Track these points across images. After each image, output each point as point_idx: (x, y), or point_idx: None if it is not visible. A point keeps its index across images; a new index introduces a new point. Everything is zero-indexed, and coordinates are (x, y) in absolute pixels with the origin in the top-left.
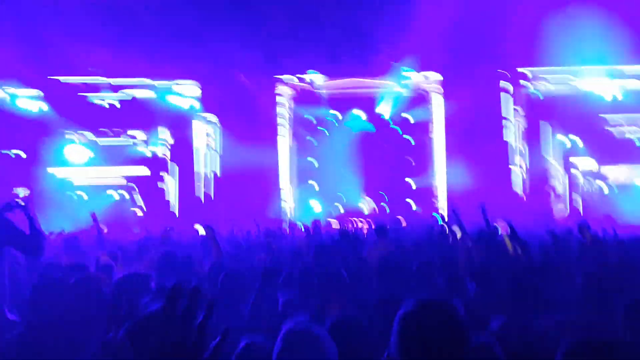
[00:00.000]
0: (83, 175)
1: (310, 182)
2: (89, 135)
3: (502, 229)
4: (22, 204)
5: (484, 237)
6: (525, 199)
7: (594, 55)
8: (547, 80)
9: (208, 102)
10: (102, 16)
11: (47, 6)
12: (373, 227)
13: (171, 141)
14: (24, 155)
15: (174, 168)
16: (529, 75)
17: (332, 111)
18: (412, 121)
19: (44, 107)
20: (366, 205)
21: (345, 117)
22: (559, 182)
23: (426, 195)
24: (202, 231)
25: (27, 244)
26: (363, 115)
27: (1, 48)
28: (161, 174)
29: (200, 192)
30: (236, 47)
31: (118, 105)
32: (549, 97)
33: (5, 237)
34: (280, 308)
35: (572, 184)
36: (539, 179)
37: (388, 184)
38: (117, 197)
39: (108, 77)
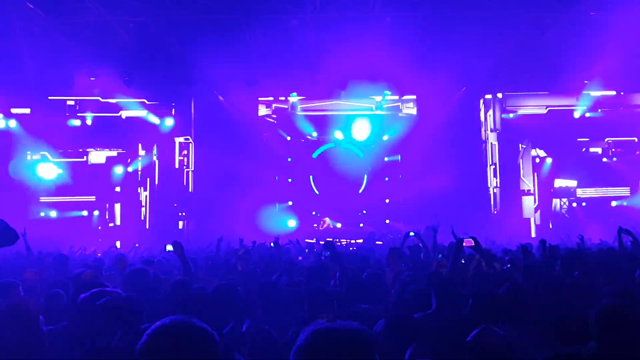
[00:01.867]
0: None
1: (290, 202)
2: (59, 153)
3: (468, 244)
4: None
5: (452, 252)
6: (499, 216)
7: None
8: (523, 103)
9: (186, 122)
10: (80, 37)
11: (21, 27)
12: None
13: (147, 159)
14: None
15: (147, 184)
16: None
17: (313, 133)
18: (389, 142)
19: (12, 124)
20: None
21: (323, 138)
22: (533, 200)
23: (404, 212)
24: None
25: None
26: (341, 136)
27: None
28: (138, 190)
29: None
30: (218, 69)
31: (89, 123)
32: (524, 119)
33: None
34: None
35: (545, 203)
36: (513, 198)
37: (367, 202)
38: (85, 214)
39: (86, 95)
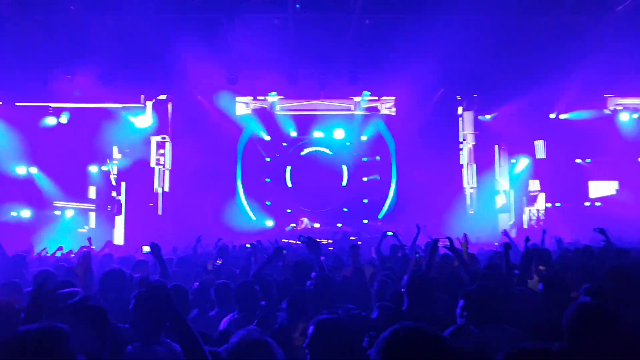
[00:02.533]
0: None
1: (267, 202)
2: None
3: (443, 243)
4: None
5: (427, 252)
6: (475, 216)
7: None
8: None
9: (163, 122)
10: (57, 39)
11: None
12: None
13: (124, 160)
14: None
15: (124, 186)
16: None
17: (292, 132)
18: (367, 142)
19: None
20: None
21: (303, 137)
22: (508, 201)
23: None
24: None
25: None
26: (321, 135)
27: None
28: (112, 194)
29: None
30: (197, 68)
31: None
32: (500, 121)
33: None
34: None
35: (520, 203)
36: (487, 198)
37: (345, 203)
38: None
39: (63, 101)
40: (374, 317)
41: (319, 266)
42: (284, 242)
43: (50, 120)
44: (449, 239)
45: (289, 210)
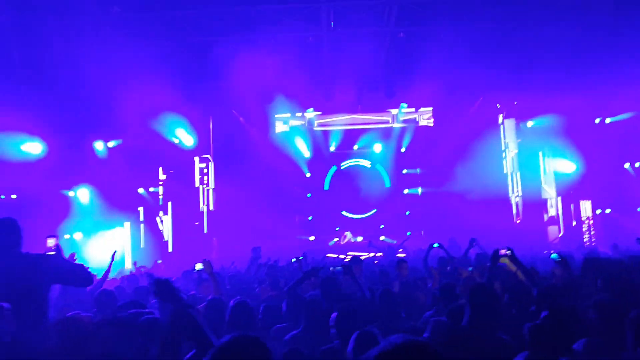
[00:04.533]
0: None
1: (309, 217)
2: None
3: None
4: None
5: (490, 263)
6: (521, 225)
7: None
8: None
9: (205, 141)
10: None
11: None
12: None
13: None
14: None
15: (169, 205)
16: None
17: (332, 147)
18: (407, 154)
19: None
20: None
21: (342, 152)
22: (554, 208)
23: (425, 224)
24: (199, 266)
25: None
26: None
27: None
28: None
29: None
30: (235, 87)
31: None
32: (542, 127)
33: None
34: None
35: (567, 211)
36: (534, 206)
37: (388, 215)
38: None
39: None
40: (426, 335)
41: (356, 285)
42: (330, 257)
43: (99, 146)
44: (510, 249)
45: (337, 228)
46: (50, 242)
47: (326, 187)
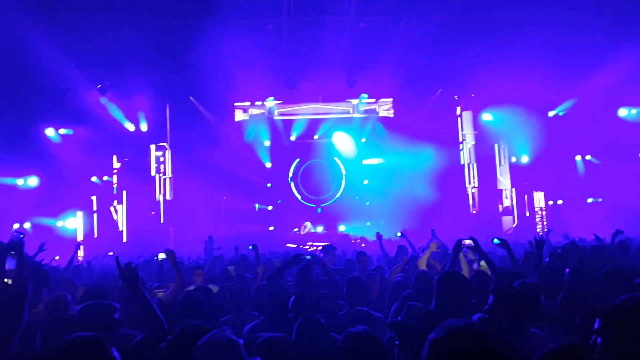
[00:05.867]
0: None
1: (270, 207)
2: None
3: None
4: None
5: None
6: (478, 216)
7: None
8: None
9: (161, 129)
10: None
11: None
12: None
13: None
14: None
15: (124, 195)
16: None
17: (291, 137)
18: (366, 144)
19: None
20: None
21: (301, 142)
22: (508, 199)
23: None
24: (162, 256)
25: None
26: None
27: None
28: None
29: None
30: (194, 75)
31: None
32: (500, 121)
33: None
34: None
35: (521, 201)
36: (489, 197)
37: (346, 206)
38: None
39: None
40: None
41: (324, 270)
42: (290, 247)
43: (50, 132)
44: (473, 239)
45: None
46: (15, 226)
47: (290, 177)
